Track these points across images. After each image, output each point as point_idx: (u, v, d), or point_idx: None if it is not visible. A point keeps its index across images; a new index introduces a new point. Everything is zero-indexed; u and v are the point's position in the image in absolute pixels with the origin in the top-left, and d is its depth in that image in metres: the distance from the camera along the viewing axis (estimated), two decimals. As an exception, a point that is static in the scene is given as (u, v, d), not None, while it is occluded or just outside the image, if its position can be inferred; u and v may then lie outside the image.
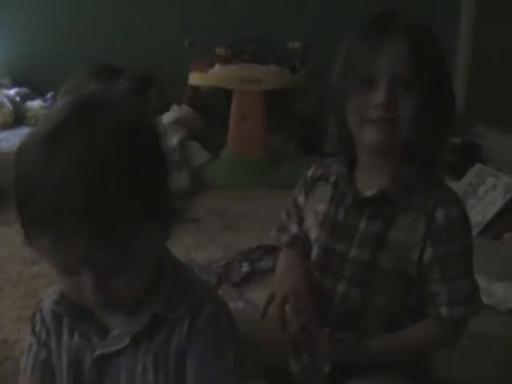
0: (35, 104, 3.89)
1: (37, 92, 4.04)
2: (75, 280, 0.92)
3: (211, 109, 3.70)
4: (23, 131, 3.58)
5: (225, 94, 3.53)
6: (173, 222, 0.97)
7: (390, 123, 1.21)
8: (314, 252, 1.38)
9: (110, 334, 1.02)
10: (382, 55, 1.20)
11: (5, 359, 1.89)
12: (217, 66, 3.46)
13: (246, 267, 2.32)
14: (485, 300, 1.99)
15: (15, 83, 4.05)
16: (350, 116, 1.26)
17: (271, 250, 2.34)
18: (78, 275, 0.91)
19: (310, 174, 1.44)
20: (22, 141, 0.91)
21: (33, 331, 1.08)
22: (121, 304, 0.97)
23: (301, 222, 1.45)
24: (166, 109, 3.68)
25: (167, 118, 3.54)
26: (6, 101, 3.75)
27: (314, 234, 1.38)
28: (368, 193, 1.29)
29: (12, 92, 3.90)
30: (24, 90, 3.99)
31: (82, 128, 0.86)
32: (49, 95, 3.95)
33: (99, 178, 0.83)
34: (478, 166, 3.01)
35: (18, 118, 3.77)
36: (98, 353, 1.02)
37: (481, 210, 2.74)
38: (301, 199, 1.44)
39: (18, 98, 3.86)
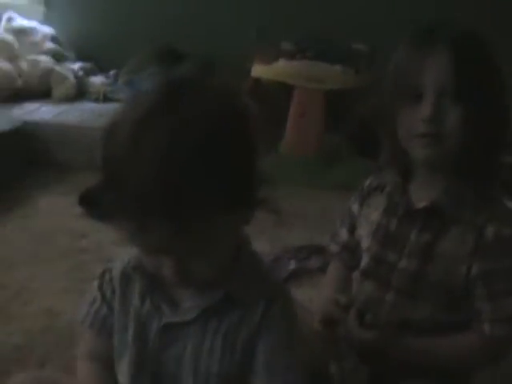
0: (97, 80, 3.93)
1: (100, 68, 4.08)
2: (157, 259, 0.94)
3: (271, 102, 3.69)
4: (85, 105, 3.67)
5: (286, 89, 3.52)
6: (254, 210, 0.97)
7: (437, 138, 1.21)
8: (364, 260, 1.39)
9: (181, 305, 1.03)
10: (428, 68, 1.20)
11: (47, 328, 1.93)
12: (281, 61, 3.45)
13: (293, 265, 2.32)
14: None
15: (79, 57, 4.10)
16: (399, 130, 1.27)
17: (320, 250, 2.34)
18: (159, 256, 0.93)
19: (366, 183, 1.45)
20: (111, 120, 0.91)
21: (99, 287, 1.10)
22: (198, 283, 0.98)
23: (353, 229, 1.46)
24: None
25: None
26: (69, 74, 3.80)
27: (365, 242, 1.39)
28: (420, 204, 1.29)
29: (76, 66, 3.95)
30: (88, 64, 4.03)
31: (172, 115, 0.86)
32: (112, 72, 3.99)
33: (185, 170, 0.83)
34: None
35: (80, 91, 3.83)
36: (165, 321, 1.03)
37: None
38: (355, 208, 1.45)
39: (81, 73, 3.91)
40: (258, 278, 1.04)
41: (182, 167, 0.84)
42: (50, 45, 4.01)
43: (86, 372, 1.13)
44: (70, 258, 2.40)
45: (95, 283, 1.11)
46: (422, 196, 1.30)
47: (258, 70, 3.52)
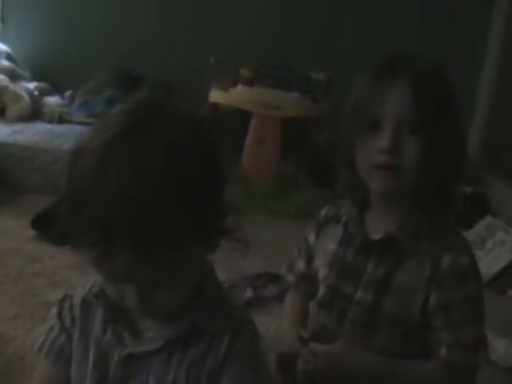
0: (53, 100, 3.88)
1: (55, 88, 4.03)
2: (119, 288, 0.92)
3: (228, 129, 3.70)
4: (39, 126, 3.60)
5: (243, 116, 3.53)
6: (221, 239, 0.95)
7: (395, 169, 1.22)
8: (321, 291, 1.38)
9: (145, 335, 1.00)
10: (388, 100, 1.21)
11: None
12: (239, 87, 3.47)
13: (249, 292, 2.30)
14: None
15: (35, 77, 4.05)
16: (357, 160, 1.27)
17: (276, 278, 2.33)
18: (122, 285, 0.91)
19: (323, 213, 1.44)
20: (78, 144, 0.89)
21: (59, 315, 1.06)
22: (162, 313, 0.96)
23: (310, 260, 1.45)
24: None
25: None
26: (24, 93, 3.74)
27: (322, 273, 1.38)
28: (377, 236, 1.29)
29: (31, 85, 3.89)
30: (43, 85, 3.98)
31: (138, 142, 0.85)
32: (67, 93, 3.94)
33: (151, 197, 0.82)
34: (489, 219, 3.00)
35: (35, 111, 3.76)
36: (128, 351, 1.00)
37: (487, 263, 2.73)
38: (312, 238, 1.44)
39: (36, 92, 3.85)
40: (223, 308, 1.01)
41: (148, 195, 0.82)
42: (4, 62, 3.95)
43: None
44: (21, 283, 2.34)
45: (54, 310, 1.08)
46: (378, 227, 1.30)
47: (217, 96, 3.53)
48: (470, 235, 2.93)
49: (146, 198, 0.82)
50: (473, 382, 1.27)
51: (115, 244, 0.83)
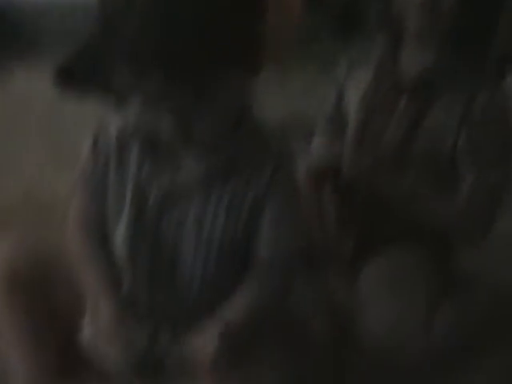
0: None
1: None
2: (156, 116, 0.93)
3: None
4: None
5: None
6: (257, 71, 0.94)
7: (435, 5, 1.20)
8: (352, 128, 1.37)
9: (183, 169, 1.00)
10: None
11: (27, 200, 1.91)
12: None
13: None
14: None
15: None
16: None
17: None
18: (157, 112, 0.92)
19: (355, 52, 1.43)
20: None
21: (93, 150, 1.05)
22: (199, 144, 0.96)
23: (340, 99, 1.42)
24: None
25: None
26: None
27: (353, 109, 1.37)
28: (410, 74, 1.28)
29: None
30: None
31: None
32: None
33: (182, 16, 0.82)
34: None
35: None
36: (166, 184, 1.00)
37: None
38: (343, 76, 1.41)
39: None
40: (263, 141, 1.02)
41: (182, 12, 0.83)
42: None
43: (79, 240, 1.08)
44: (47, 132, 2.37)
45: (87, 148, 1.06)
46: (412, 65, 1.28)
47: None
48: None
49: (179, 15, 0.82)
50: (499, 201, 1.27)
51: (149, 60, 0.84)
